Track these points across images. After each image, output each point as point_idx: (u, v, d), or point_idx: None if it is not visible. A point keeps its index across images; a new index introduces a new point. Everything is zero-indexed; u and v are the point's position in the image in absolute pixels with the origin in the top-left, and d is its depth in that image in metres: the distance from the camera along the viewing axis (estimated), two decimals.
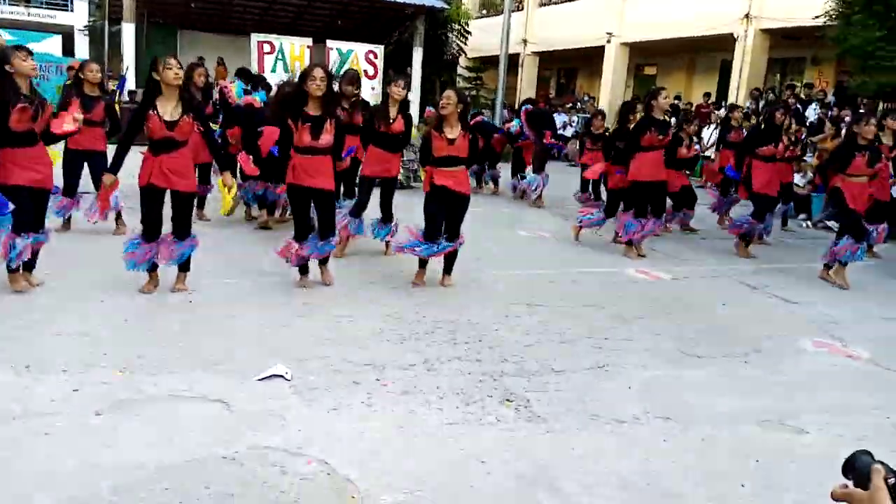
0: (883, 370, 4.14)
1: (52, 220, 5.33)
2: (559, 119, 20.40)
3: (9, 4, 24.36)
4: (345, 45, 16.17)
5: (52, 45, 18.18)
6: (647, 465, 2.81)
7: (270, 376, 3.43)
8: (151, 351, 3.65)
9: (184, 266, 4.72)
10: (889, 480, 1.13)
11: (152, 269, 4.63)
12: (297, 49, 16.12)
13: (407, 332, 4.24)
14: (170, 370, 3.43)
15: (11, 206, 4.17)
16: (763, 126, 7.20)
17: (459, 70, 23.77)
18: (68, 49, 23.14)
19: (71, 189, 6.14)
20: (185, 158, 4.61)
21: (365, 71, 15.56)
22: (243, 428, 2.90)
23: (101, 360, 3.49)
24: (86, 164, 6.15)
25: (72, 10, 25.38)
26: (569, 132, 20.09)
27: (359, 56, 16.00)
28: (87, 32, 25.10)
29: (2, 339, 3.68)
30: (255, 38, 15.82)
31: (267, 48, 15.82)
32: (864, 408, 3.54)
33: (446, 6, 20.27)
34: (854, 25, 9.91)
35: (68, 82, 6.29)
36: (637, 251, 6.70)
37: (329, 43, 16.03)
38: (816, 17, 10.82)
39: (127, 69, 16.96)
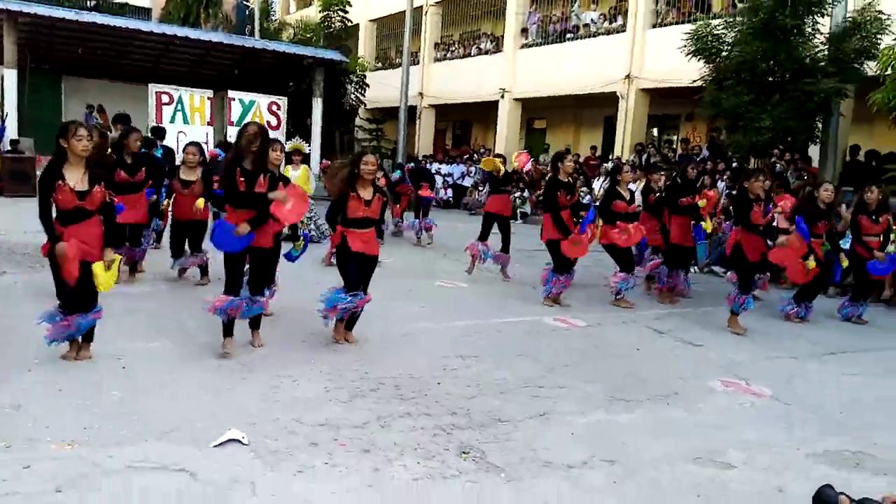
0: (784, 405, 4.64)
1: None
2: (458, 169, 21.15)
3: None
4: (247, 96, 16.10)
5: None
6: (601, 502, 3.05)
7: (226, 441, 3.42)
8: (96, 422, 3.55)
9: (88, 336, 4.52)
10: None
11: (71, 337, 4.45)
12: (196, 100, 15.92)
13: (352, 390, 4.32)
14: (120, 441, 3.35)
15: None
16: (679, 181, 7.84)
17: (358, 121, 24.16)
18: None
19: None
20: (96, 228, 4.40)
21: (268, 122, 15.55)
22: (215, 497, 2.90)
23: (45, 434, 3.36)
24: None
25: None
26: (468, 182, 20.83)
27: (261, 107, 15.97)
28: None
29: None
30: (153, 87, 15.50)
31: (165, 98, 15.54)
32: (778, 441, 3.96)
33: (344, 59, 20.66)
34: (725, 90, 11.02)
35: None
36: (558, 302, 7.12)
37: (231, 93, 15.92)
38: (694, 81, 11.94)
39: (7, 115, 16.07)
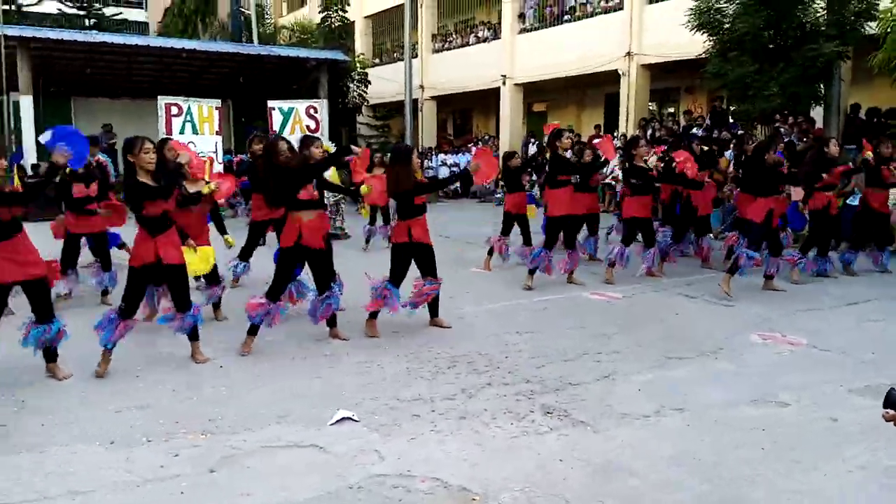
0: (820, 351, 5.07)
1: None
2: (463, 159, 21.50)
3: None
4: (286, 104, 16.60)
5: None
6: (685, 445, 3.50)
7: (340, 419, 3.86)
8: (218, 414, 3.99)
9: (193, 335, 4.95)
10: None
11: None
12: (205, 110, 16.16)
13: (432, 368, 4.76)
14: (246, 427, 3.79)
15: None
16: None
17: (361, 118, 24.49)
18: None
19: None
20: (175, 235, 4.84)
21: (307, 126, 15.99)
22: (349, 464, 3.34)
23: (178, 428, 3.79)
24: None
25: None
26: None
27: (300, 112, 16.42)
28: None
29: (64, 422, 3.89)
30: (162, 100, 15.73)
31: (175, 110, 15.77)
32: (819, 382, 4.40)
33: (347, 59, 20.98)
34: (731, 62, 11.38)
35: None
36: (573, 281, 7.49)
37: (270, 103, 16.44)
38: (699, 55, 12.30)
39: (12, 140, 16.51)
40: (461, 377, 4.57)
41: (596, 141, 9.47)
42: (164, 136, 14.71)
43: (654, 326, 5.78)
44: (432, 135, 24.81)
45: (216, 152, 15.67)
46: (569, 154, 7.89)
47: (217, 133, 15.82)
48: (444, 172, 20.62)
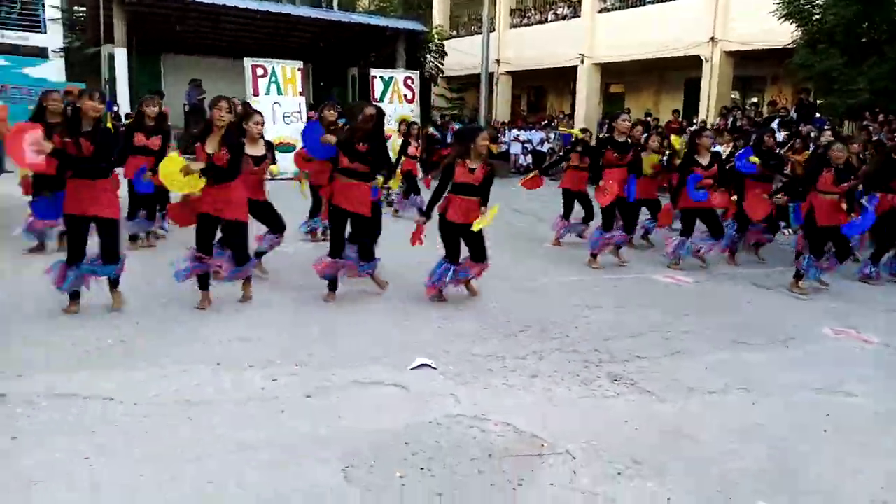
0: (894, 351, 5.08)
1: None
2: (536, 136, 21.48)
3: None
4: (386, 73, 17.16)
5: (47, 71, 18.34)
6: (750, 418, 3.65)
7: (419, 366, 4.15)
8: (312, 349, 4.34)
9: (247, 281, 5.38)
10: None
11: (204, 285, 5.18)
12: (288, 72, 16.71)
13: (504, 330, 4.99)
14: (337, 364, 4.13)
15: None
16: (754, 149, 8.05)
17: (438, 90, 24.67)
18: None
19: None
20: (232, 191, 5.05)
21: (405, 95, 16.48)
22: (427, 403, 3.63)
23: (276, 358, 4.16)
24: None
25: (45, 32, 25.38)
26: (545, 148, 21.20)
27: (398, 82, 16.95)
28: (62, 55, 25.15)
29: (175, 344, 4.31)
30: (249, 62, 16.33)
31: (260, 72, 16.36)
32: (886, 378, 4.44)
33: (425, 29, 21.15)
34: (819, 54, 11.10)
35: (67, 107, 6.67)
36: (619, 259, 7.50)
37: (373, 71, 17.02)
38: (786, 44, 12.01)
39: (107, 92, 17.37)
40: (531, 341, 4.79)
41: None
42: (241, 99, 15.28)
43: (726, 312, 5.86)
44: (506, 110, 24.85)
45: (300, 112, 16.23)
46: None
47: (300, 94, 16.37)
48: (516, 148, 20.67)
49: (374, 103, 8.34)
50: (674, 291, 6.55)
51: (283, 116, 15.66)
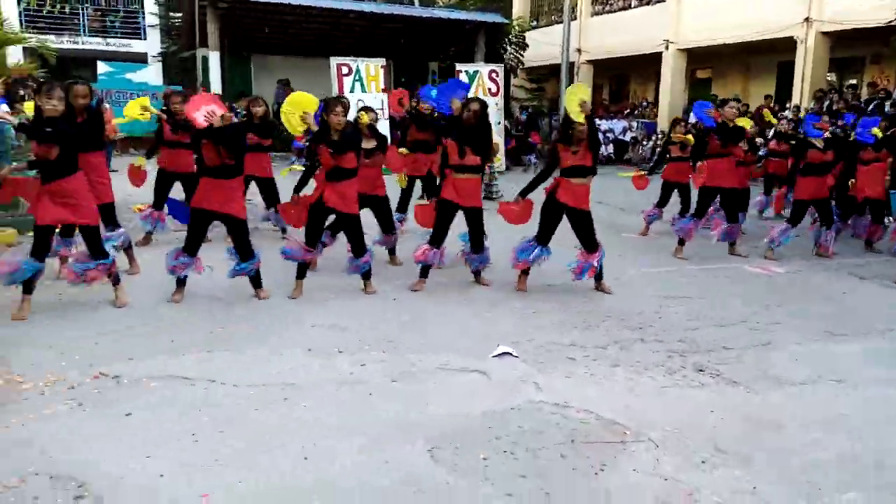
0: None
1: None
2: (618, 125, 21.09)
3: (89, 35, 25.99)
4: (471, 67, 17.35)
5: (147, 75, 19.50)
6: (835, 410, 3.57)
7: (502, 354, 4.24)
8: (396, 336, 4.51)
9: (367, 274, 5.57)
10: None
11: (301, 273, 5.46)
12: (372, 70, 17.04)
13: (585, 320, 5.01)
14: (422, 351, 4.27)
15: None
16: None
17: (517, 81, 24.56)
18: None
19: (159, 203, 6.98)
20: (351, 187, 5.38)
21: (489, 89, 16.62)
22: (509, 390, 3.71)
23: (363, 345, 4.34)
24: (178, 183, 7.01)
25: (145, 39, 26.91)
26: (628, 137, 20.81)
27: (483, 76, 17.12)
28: (159, 59, 26.62)
29: (269, 331, 4.56)
30: (335, 60, 16.76)
31: (345, 70, 16.76)
32: None
33: (506, 21, 21.10)
34: None
35: (164, 109, 7.05)
36: (733, 251, 7.33)
37: (458, 66, 17.22)
38: (889, 22, 11.32)
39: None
40: (613, 331, 4.79)
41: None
42: (337, 95, 15.73)
43: (819, 302, 5.67)
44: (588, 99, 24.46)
45: (383, 108, 16.58)
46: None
47: (383, 90, 16.69)
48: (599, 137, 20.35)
49: (479, 97, 8.48)
50: (763, 282, 6.37)
51: None
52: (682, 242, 7.30)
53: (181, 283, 5.20)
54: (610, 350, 4.42)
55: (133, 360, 4.00)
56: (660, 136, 19.84)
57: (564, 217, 5.67)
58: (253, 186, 7.41)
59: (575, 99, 5.44)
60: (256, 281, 5.32)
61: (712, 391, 3.80)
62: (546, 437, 3.20)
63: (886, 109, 13.17)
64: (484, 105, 5.77)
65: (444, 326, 4.80)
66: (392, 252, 6.69)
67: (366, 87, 16.74)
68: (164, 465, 2.87)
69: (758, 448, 3.16)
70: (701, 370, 4.11)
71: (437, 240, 5.70)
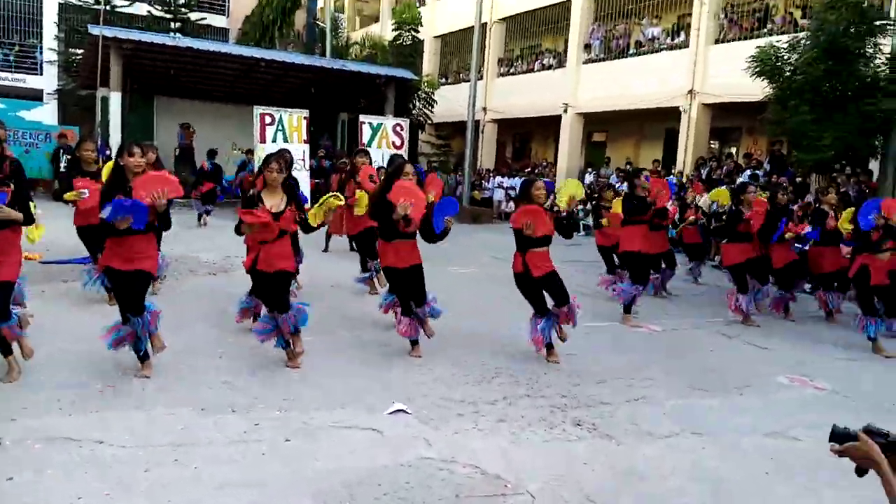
0: (842, 398, 5.39)
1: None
2: (519, 183, 21.98)
3: None
4: (375, 119, 17.47)
5: (42, 114, 18.76)
6: (700, 462, 3.93)
7: (395, 411, 4.41)
8: (291, 394, 4.59)
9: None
10: (873, 435, 2.03)
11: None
12: (294, 120, 17.00)
13: (477, 376, 5.27)
14: (317, 408, 4.38)
15: None
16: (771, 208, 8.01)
17: (423, 136, 25.25)
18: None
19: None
20: (287, 245, 5.27)
21: (393, 142, 16.85)
22: (401, 446, 3.88)
23: (257, 403, 4.40)
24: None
25: (41, 74, 25.94)
26: None
27: (388, 128, 17.25)
28: (55, 97, 25.67)
29: (162, 389, 4.54)
30: (258, 109, 16.59)
31: (268, 119, 16.64)
32: (834, 423, 4.73)
33: (415, 77, 21.80)
34: (789, 110, 11.65)
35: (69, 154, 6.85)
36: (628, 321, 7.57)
37: (362, 117, 17.29)
38: (759, 100, 12.58)
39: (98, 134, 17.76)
40: (503, 386, 5.07)
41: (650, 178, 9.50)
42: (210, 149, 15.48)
43: (686, 360, 6.17)
44: (491, 157, 25.43)
45: (304, 160, 16.57)
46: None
47: (305, 142, 16.72)
48: (499, 195, 21.19)
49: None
50: (641, 339, 6.87)
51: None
52: (627, 309, 7.51)
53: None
54: (498, 405, 4.67)
55: (16, 421, 3.90)
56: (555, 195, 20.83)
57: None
58: None
59: (567, 193, 6.09)
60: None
61: (588, 444, 4.11)
62: (433, 493, 3.39)
63: (761, 178, 14.49)
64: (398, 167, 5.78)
65: (340, 382, 4.92)
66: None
67: (288, 137, 16.67)
68: None
69: (625, 496, 3.47)
70: (579, 424, 4.42)
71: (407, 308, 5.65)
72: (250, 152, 16.80)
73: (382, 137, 16.97)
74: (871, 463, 1.81)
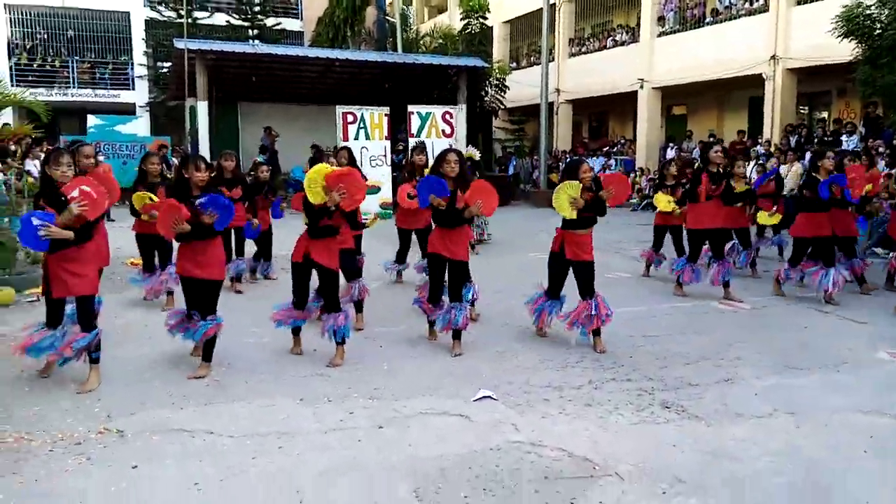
0: None
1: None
2: (598, 162, 21.66)
3: (79, 87, 26.51)
4: (424, 109, 17.59)
5: (136, 126, 19.92)
6: (792, 440, 3.88)
7: (482, 398, 4.54)
8: (380, 383, 4.80)
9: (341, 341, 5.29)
10: None
11: (296, 331, 5.53)
12: (376, 118, 17.35)
13: (562, 361, 5.33)
14: (406, 396, 4.56)
15: None
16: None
17: (500, 122, 25.21)
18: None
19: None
20: (335, 243, 5.38)
21: (443, 130, 16.99)
22: (489, 431, 4.00)
23: (351, 392, 4.63)
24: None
25: (133, 89, 27.47)
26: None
27: (437, 117, 17.36)
28: (147, 109, 27.15)
29: (262, 381, 4.84)
30: (340, 109, 17.06)
31: (350, 118, 17.06)
32: None
33: (486, 65, 21.78)
34: (881, 69, 11.01)
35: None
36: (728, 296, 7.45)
37: (410, 107, 17.46)
38: (849, 61, 11.94)
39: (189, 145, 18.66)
40: (588, 371, 5.11)
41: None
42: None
43: (779, 337, 6.02)
44: (567, 138, 25.14)
45: (385, 155, 16.96)
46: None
47: (386, 138, 17.06)
48: None
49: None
50: (728, 317, 6.73)
51: (370, 160, 16.30)
52: (679, 282, 7.62)
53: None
54: (584, 390, 4.73)
55: (135, 415, 4.26)
56: (637, 173, 20.40)
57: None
58: None
59: (563, 199, 5.49)
60: (208, 349, 5.07)
61: (676, 426, 4.11)
62: (521, 475, 3.50)
63: (848, 145, 13.76)
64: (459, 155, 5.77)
65: (429, 370, 5.10)
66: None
67: (370, 134, 17.05)
68: None
69: (715, 477, 3.47)
70: (667, 407, 4.42)
71: (434, 297, 5.72)
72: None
73: (432, 126, 17.01)
74: None
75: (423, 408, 4.37)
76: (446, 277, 5.70)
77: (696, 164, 8.37)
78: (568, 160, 6.73)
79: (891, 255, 8.16)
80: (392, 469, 3.55)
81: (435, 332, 5.83)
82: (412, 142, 15.72)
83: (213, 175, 7.66)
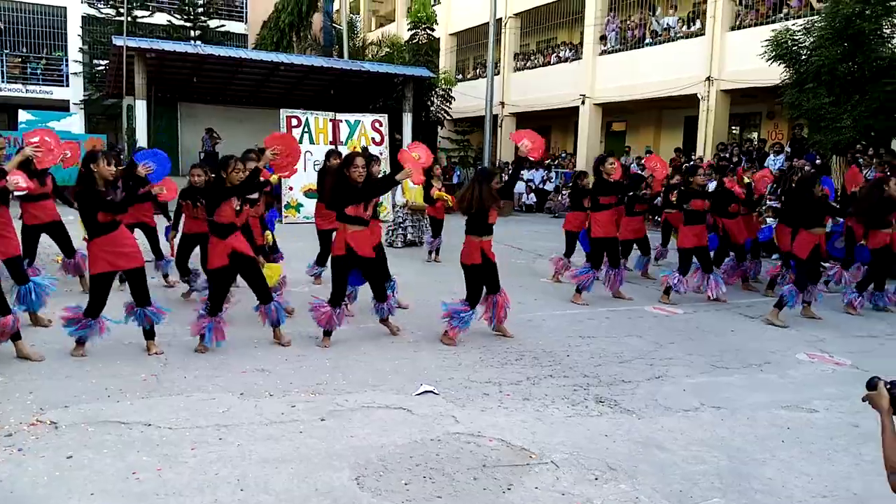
0: (862, 372, 5.48)
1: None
2: (538, 175, 22.12)
3: (7, 82, 25.46)
4: (352, 117, 17.46)
5: (71, 123, 19.23)
6: (716, 432, 4.08)
7: (423, 392, 4.61)
8: (323, 379, 4.82)
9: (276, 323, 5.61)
10: (887, 387, 2.32)
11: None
12: (321, 122, 17.22)
13: (501, 359, 5.46)
14: (348, 391, 4.60)
15: None
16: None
17: (445, 132, 25.44)
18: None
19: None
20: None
21: (373, 138, 16.96)
22: (430, 423, 4.08)
23: (292, 388, 4.63)
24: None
25: (67, 86, 26.55)
26: (549, 187, 21.82)
27: (366, 125, 17.28)
28: (82, 107, 26.26)
29: (202, 377, 4.79)
30: (284, 112, 16.85)
31: (294, 122, 16.88)
32: (853, 395, 4.82)
33: (432, 75, 21.98)
34: (806, 93, 11.64)
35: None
36: (620, 295, 7.94)
37: (338, 115, 17.28)
38: (776, 84, 12.59)
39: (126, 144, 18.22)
40: (526, 368, 5.25)
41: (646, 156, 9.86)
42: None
43: (708, 339, 6.30)
44: (510, 150, 25.52)
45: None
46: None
47: (331, 143, 16.92)
48: (520, 187, 21.28)
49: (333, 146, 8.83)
50: (661, 321, 7.00)
51: (314, 164, 16.16)
52: (579, 290, 7.74)
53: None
54: (522, 385, 4.86)
55: (69, 408, 4.17)
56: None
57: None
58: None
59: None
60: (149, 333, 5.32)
61: (609, 419, 4.28)
62: (461, 463, 3.59)
63: (774, 164, 14.47)
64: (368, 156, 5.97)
65: (369, 368, 5.14)
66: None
67: (314, 139, 16.89)
68: (109, 502, 3.09)
69: (643, 464, 3.64)
70: (601, 401, 4.59)
71: (335, 299, 5.68)
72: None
73: (361, 134, 16.98)
74: (878, 410, 2.08)
75: (364, 401, 4.42)
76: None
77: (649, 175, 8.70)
78: (483, 167, 7.03)
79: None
80: (333, 458, 3.58)
81: (329, 339, 5.73)
82: (342, 150, 15.68)
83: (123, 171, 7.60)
